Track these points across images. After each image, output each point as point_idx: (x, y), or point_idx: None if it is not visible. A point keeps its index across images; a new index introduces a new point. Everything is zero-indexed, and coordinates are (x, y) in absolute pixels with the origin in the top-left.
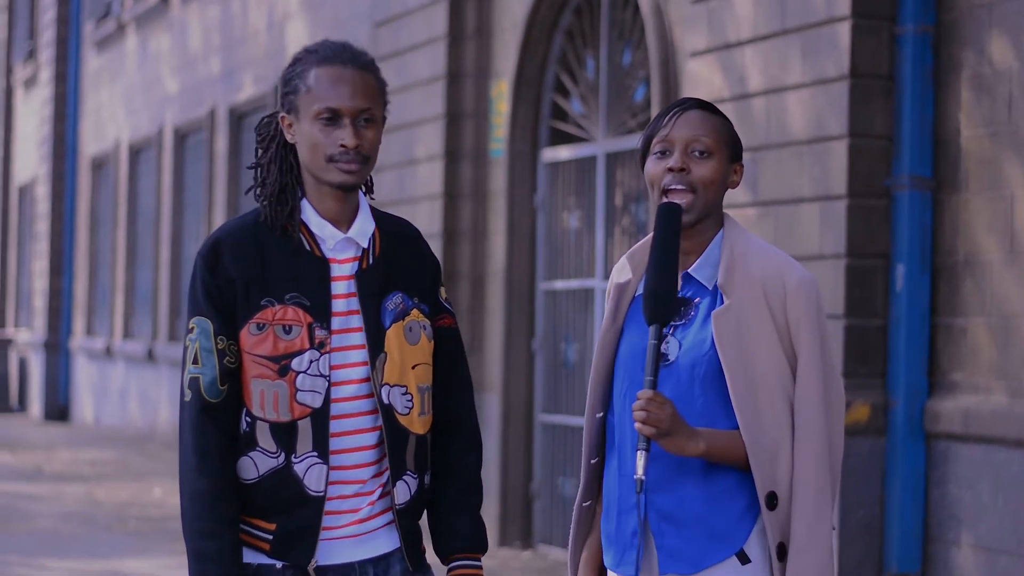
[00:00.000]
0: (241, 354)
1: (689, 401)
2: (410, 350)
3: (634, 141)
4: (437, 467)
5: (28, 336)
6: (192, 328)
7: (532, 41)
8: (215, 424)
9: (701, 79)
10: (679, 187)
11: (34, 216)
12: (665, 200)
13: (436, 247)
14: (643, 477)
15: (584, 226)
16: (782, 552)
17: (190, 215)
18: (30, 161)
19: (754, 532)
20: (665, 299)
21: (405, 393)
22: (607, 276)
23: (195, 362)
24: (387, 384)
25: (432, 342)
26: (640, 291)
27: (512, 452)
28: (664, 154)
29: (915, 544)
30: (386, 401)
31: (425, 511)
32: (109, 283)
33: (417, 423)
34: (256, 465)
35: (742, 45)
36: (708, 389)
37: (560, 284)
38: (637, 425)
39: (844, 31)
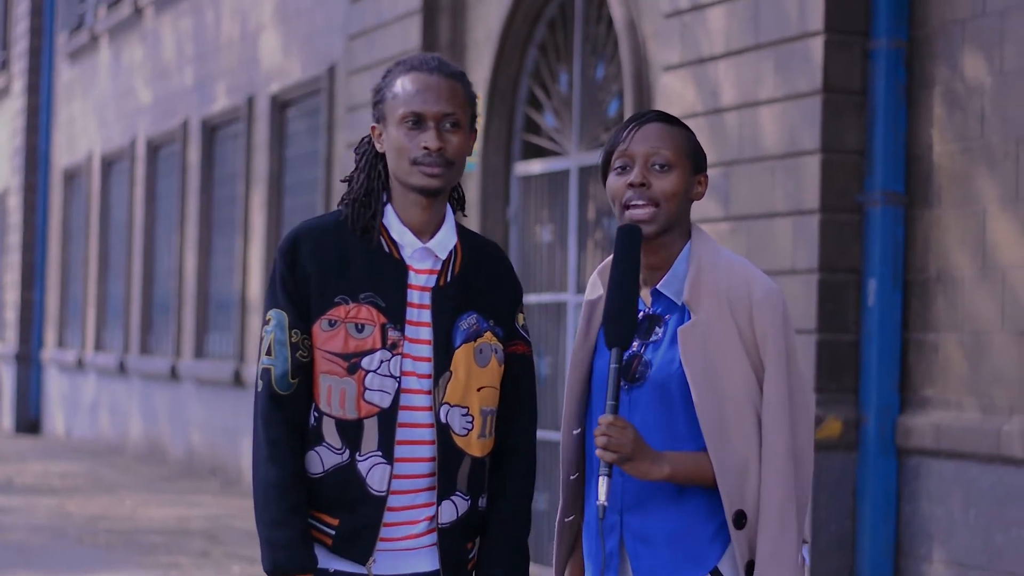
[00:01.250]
0: (313, 349)
1: (664, 421)
2: (477, 372)
3: None
4: (491, 490)
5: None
6: (269, 319)
7: (506, 55)
8: (284, 415)
9: (674, 93)
10: (640, 202)
11: (6, 228)
12: (626, 217)
13: None
14: (605, 503)
15: (557, 240)
16: (750, 570)
17: (162, 227)
18: (2, 172)
19: (728, 551)
20: (624, 323)
21: (466, 414)
22: (580, 290)
23: (268, 353)
24: (447, 403)
25: (502, 366)
26: None
27: None
28: (624, 169)
29: (887, 560)
30: (443, 420)
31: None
32: (81, 295)
33: (475, 445)
34: (322, 460)
35: (715, 60)
36: (677, 409)
37: (533, 298)
38: (598, 451)
39: (817, 46)
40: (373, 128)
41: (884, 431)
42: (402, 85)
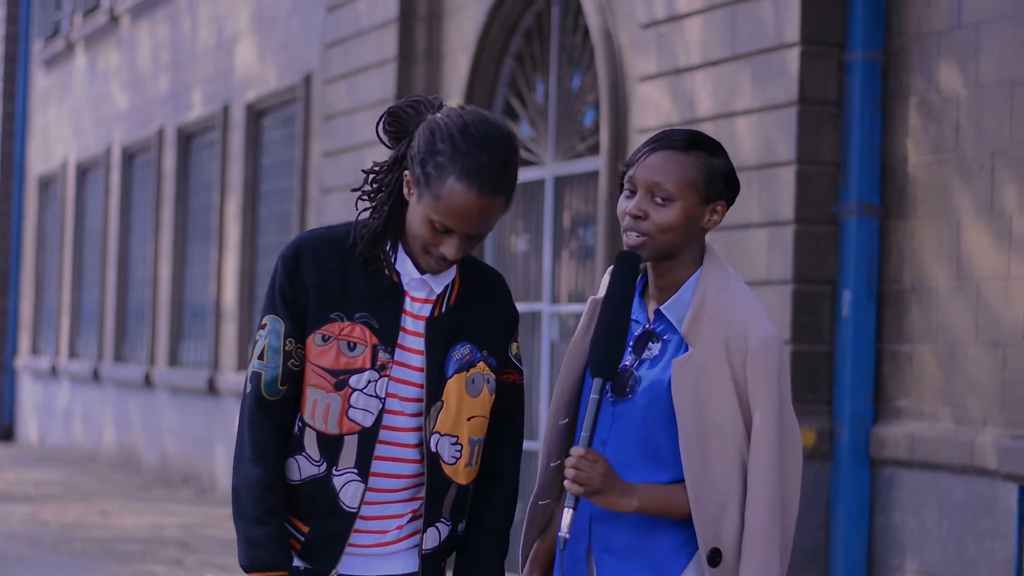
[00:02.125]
0: (305, 360)
1: (640, 440)
2: (469, 401)
3: (583, 165)
4: (470, 516)
5: None
6: (265, 324)
7: (482, 64)
8: (269, 419)
9: (651, 104)
10: (634, 233)
11: None
12: (625, 244)
13: None
14: (567, 535)
15: (532, 249)
16: None
17: (137, 235)
18: None
19: (691, 565)
20: (610, 354)
21: (455, 443)
22: (554, 299)
23: (261, 357)
24: (437, 432)
25: (493, 396)
26: None
27: None
28: (632, 193)
29: (860, 571)
30: (433, 449)
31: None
32: (55, 302)
33: (462, 474)
34: (300, 468)
35: (692, 70)
36: (660, 430)
37: None
38: (566, 483)
39: (793, 57)
40: (407, 176)
41: (858, 441)
42: (449, 191)
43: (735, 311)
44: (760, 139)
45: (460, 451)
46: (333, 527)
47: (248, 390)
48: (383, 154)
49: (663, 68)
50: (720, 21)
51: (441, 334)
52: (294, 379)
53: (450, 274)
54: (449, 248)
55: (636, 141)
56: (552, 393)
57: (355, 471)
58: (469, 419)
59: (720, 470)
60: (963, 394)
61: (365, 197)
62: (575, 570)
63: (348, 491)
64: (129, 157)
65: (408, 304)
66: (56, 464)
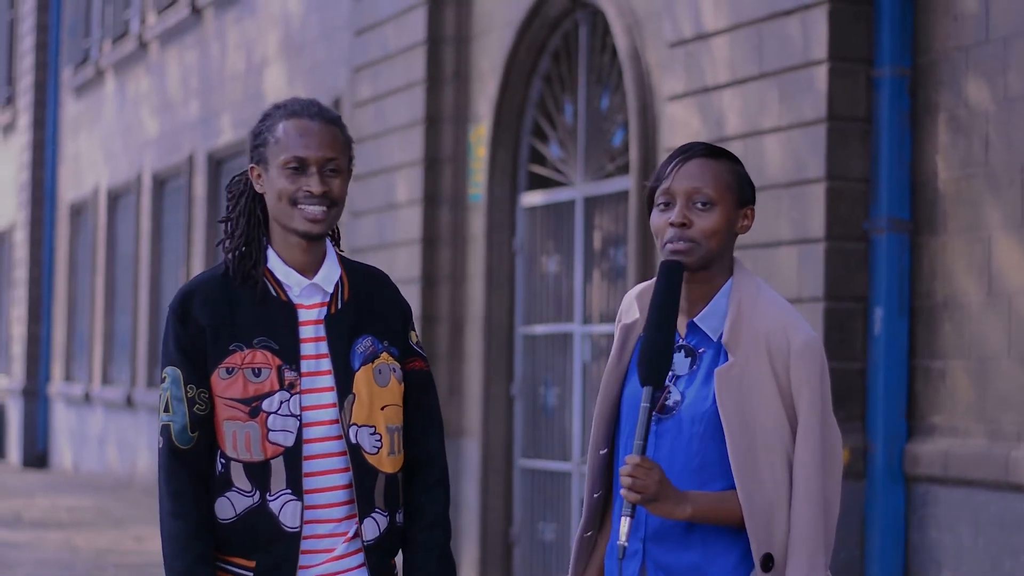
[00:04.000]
0: (213, 399)
1: (688, 456)
2: (379, 392)
3: (612, 185)
4: (407, 506)
5: (6, 382)
6: (164, 377)
7: (510, 85)
8: (186, 469)
9: (679, 123)
10: (680, 242)
11: (12, 262)
12: (667, 255)
13: (415, 292)
14: (626, 544)
15: (563, 270)
16: None
17: (169, 261)
18: (8, 207)
19: None
20: (660, 363)
21: (374, 433)
22: (586, 320)
23: (167, 410)
24: (355, 424)
25: (402, 384)
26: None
27: (491, 497)
28: (667, 206)
29: None
30: (354, 441)
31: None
32: (87, 329)
33: (386, 462)
34: (233, 504)
35: (720, 88)
36: (707, 445)
37: (539, 328)
38: (623, 491)
39: (821, 74)
40: (252, 169)
41: (892, 459)
42: (284, 130)
43: (773, 316)
44: (789, 157)
45: (380, 440)
46: (280, 553)
47: (161, 444)
48: (413, 177)
49: (691, 87)
50: (747, 39)
51: (341, 329)
52: (202, 424)
53: (336, 271)
54: (311, 181)
55: None
56: (584, 414)
57: (289, 491)
58: (383, 408)
59: (768, 474)
60: (996, 410)
61: (225, 236)
62: None
63: (287, 512)
64: (160, 183)
65: (303, 315)
66: (90, 490)
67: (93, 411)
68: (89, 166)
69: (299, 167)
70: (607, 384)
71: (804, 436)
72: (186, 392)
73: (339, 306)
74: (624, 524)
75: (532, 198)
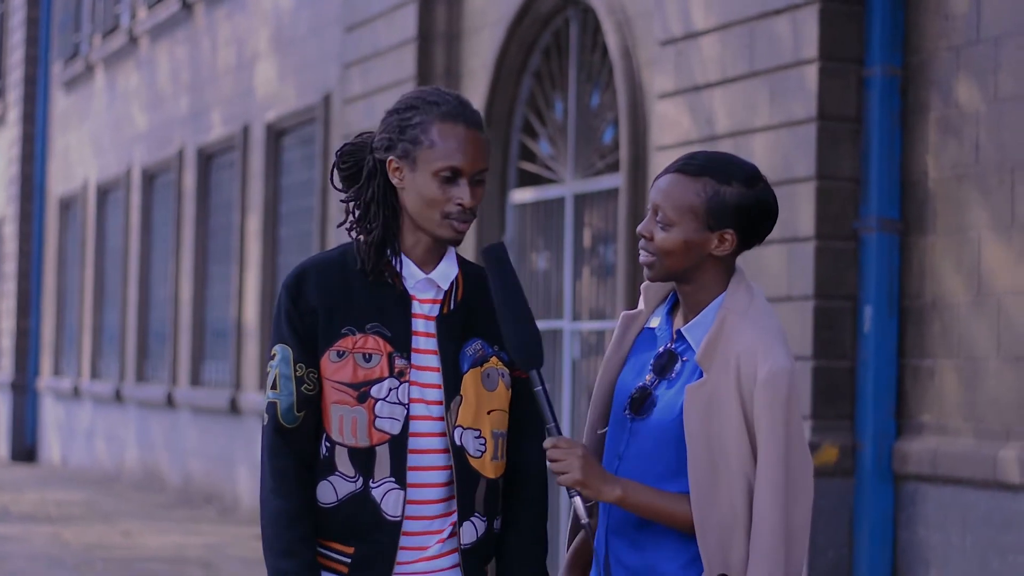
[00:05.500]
0: (322, 381)
1: (653, 459)
2: (487, 395)
3: (602, 183)
4: (505, 514)
5: None
6: (274, 354)
7: (501, 83)
8: (290, 448)
9: (669, 121)
10: (642, 253)
11: (1, 256)
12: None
13: None
14: (586, 519)
15: (552, 267)
16: None
17: (158, 255)
18: None
19: None
20: (534, 345)
21: (479, 437)
22: (575, 317)
23: (274, 387)
24: (460, 426)
25: (510, 391)
26: (648, 324)
27: None
28: (648, 211)
29: None
30: (458, 443)
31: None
32: (76, 323)
33: (489, 467)
34: (335, 489)
35: (710, 87)
36: (669, 453)
37: None
38: (552, 470)
39: (812, 74)
40: (391, 162)
41: (880, 457)
42: (440, 134)
43: (749, 341)
44: (779, 156)
45: (484, 444)
46: (379, 542)
47: (266, 421)
48: None
49: (681, 85)
50: (738, 38)
51: (452, 330)
52: (310, 404)
53: (454, 270)
54: (463, 193)
55: (655, 158)
56: (573, 410)
57: (392, 480)
58: (489, 412)
59: (726, 496)
60: (985, 409)
61: (355, 225)
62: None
63: (389, 500)
64: (149, 178)
65: (416, 307)
66: (78, 484)
67: (82, 405)
68: (78, 160)
69: (452, 176)
70: (606, 368)
71: (763, 467)
72: (295, 371)
73: (452, 306)
74: (575, 502)
75: (522, 195)
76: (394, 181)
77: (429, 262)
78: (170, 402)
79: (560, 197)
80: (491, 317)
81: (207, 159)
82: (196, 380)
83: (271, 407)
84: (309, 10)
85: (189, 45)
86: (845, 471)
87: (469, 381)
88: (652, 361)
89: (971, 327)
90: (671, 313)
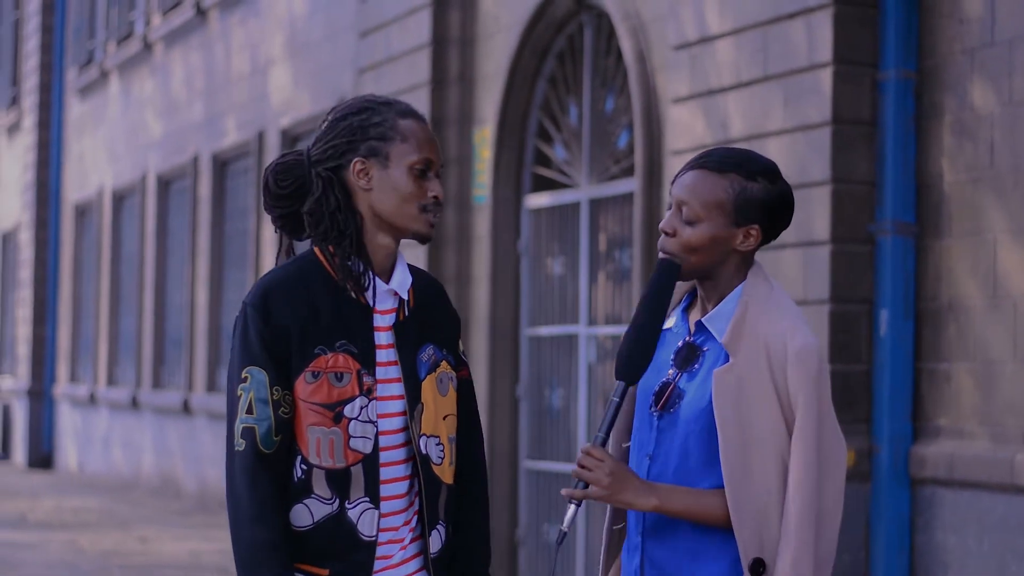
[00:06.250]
0: (295, 403)
1: (684, 453)
2: (442, 401)
3: (617, 187)
4: (454, 516)
5: (11, 383)
6: (246, 377)
7: (515, 88)
8: (270, 474)
9: (683, 125)
10: (663, 249)
11: (17, 263)
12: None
13: None
14: (566, 529)
15: (568, 272)
16: None
17: (174, 262)
18: (13, 208)
19: None
20: (638, 360)
21: (438, 444)
22: (591, 322)
23: (249, 412)
24: (424, 434)
25: (456, 393)
26: (669, 326)
27: (497, 499)
28: (670, 208)
29: None
30: (423, 451)
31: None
32: (93, 330)
33: (448, 473)
34: (311, 512)
35: (724, 91)
36: (702, 444)
37: (544, 330)
38: (573, 471)
39: (826, 77)
40: (356, 164)
41: (897, 461)
42: (410, 130)
43: (775, 322)
44: (794, 159)
45: (443, 451)
46: (355, 563)
47: (242, 447)
48: None
49: (696, 90)
50: (752, 42)
51: (409, 337)
52: (287, 427)
53: (408, 278)
54: (436, 186)
55: (670, 162)
56: (589, 415)
57: (367, 499)
58: (444, 418)
59: (761, 480)
60: (1001, 412)
61: (322, 237)
62: None
63: (365, 520)
64: (164, 184)
65: (377, 320)
66: (95, 491)
67: (98, 412)
68: (94, 167)
69: (424, 170)
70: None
71: (798, 443)
72: (272, 394)
73: (407, 314)
74: (569, 511)
75: (537, 200)
76: (359, 184)
77: (387, 270)
78: (186, 408)
79: (575, 202)
80: (440, 322)
81: (222, 165)
82: (212, 386)
83: (248, 433)
84: (323, 15)
85: (203, 51)
86: (862, 475)
87: (427, 388)
88: (672, 356)
89: (987, 330)
90: (686, 310)
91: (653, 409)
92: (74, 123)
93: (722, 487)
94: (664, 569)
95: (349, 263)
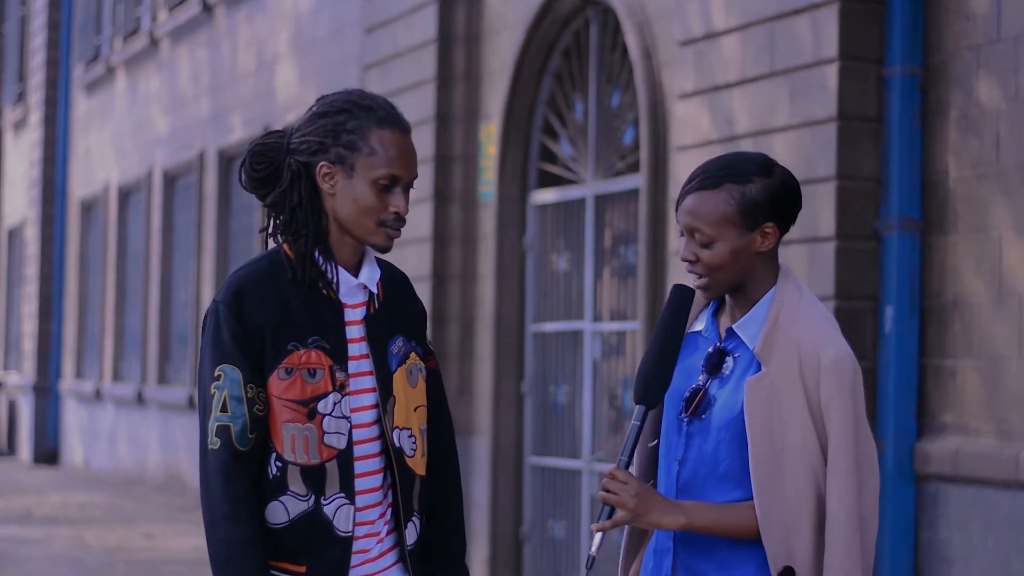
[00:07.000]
0: (269, 400)
1: (714, 461)
2: (412, 393)
3: (623, 183)
4: (429, 508)
5: (17, 379)
6: (219, 376)
7: (521, 84)
8: (245, 472)
9: (689, 121)
10: (692, 275)
11: (23, 259)
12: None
13: (425, 290)
14: (595, 555)
15: (573, 268)
16: None
17: (179, 258)
18: (19, 204)
19: None
20: (656, 384)
21: (411, 436)
22: (596, 318)
23: (223, 410)
24: (397, 427)
25: (426, 384)
26: (694, 328)
27: (502, 495)
28: (683, 234)
29: None
30: (396, 444)
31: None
32: (98, 326)
33: (420, 465)
34: (287, 509)
35: (730, 87)
36: (733, 453)
37: (550, 326)
38: (602, 496)
39: (832, 73)
40: (323, 166)
41: (902, 457)
42: (380, 141)
43: (808, 330)
44: (800, 155)
45: (415, 442)
46: (331, 559)
47: (216, 446)
48: (423, 175)
49: (701, 86)
50: (758, 38)
51: (380, 330)
52: (261, 425)
53: (376, 271)
54: (399, 201)
55: (676, 159)
56: (594, 411)
57: (343, 495)
58: (415, 409)
59: (791, 489)
60: (1006, 409)
61: (281, 231)
62: None
63: (340, 516)
64: (171, 180)
65: (348, 314)
66: (100, 487)
67: (104, 408)
68: (100, 163)
69: (389, 185)
70: None
71: (835, 453)
72: (246, 392)
73: (376, 307)
74: (596, 539)
75: (543, 196)
76: (324, 187)
77: (353, 267)
78: (192, 404)
79: (581, 198)
80: (408, 314)
81: (228, 161)
82: None
83: (223, 431)
84: (329, 12)
85: (210, 47)
86: None
87: (398, 380)
88: (703, 361)
89: (992, 326)
90: (715, 315)
91: (683, 415)
92: (80, 119)
93: (751, 498)
94: (696, 571)
95: (304, 261)
